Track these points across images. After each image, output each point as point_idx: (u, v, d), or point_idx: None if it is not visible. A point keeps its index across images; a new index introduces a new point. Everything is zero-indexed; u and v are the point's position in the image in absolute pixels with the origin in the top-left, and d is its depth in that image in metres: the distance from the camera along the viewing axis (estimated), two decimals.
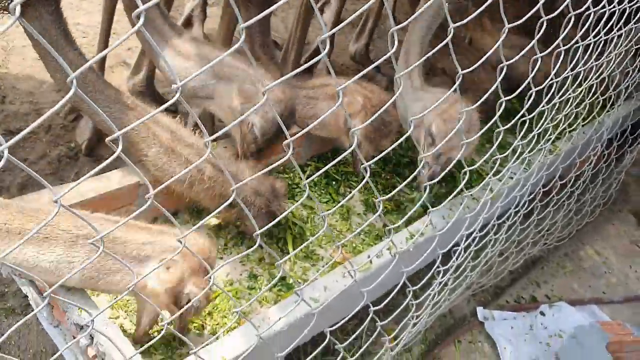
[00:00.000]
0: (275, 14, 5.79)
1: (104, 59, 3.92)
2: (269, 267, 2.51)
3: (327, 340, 1.83)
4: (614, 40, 2.50)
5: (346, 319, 1.82)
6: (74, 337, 1.93)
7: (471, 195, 2.10)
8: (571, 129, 2.75)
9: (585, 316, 3.80)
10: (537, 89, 1.80)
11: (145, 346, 1.49)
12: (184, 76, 2.46)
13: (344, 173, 3.20)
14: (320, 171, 1.47)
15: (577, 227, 4.16)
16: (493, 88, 1.65)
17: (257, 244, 1.38)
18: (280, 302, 2.17)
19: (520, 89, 1.74)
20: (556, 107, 2.22)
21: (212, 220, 2.66)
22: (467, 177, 1.80)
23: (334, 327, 1.81)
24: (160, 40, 2.56)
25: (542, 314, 3.76)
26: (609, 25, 2.19)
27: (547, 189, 2.97)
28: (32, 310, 2.68)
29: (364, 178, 1.47)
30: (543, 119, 2.13)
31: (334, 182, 3.11)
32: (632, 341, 3.24)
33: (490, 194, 2.14)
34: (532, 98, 1.81)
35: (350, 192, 3.12)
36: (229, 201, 1.30)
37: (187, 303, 1.81)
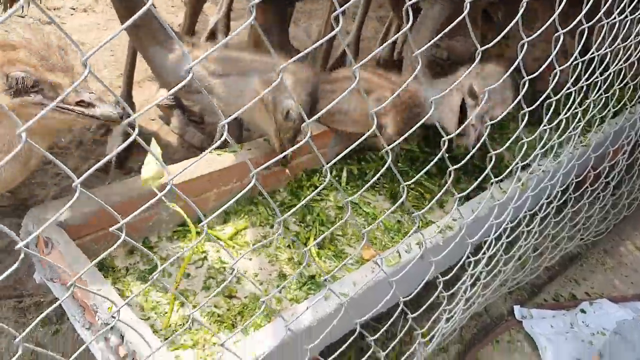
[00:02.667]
0: (298, 24, 5.84)
1: (132, 75, 4.01)
2: (298, 267, 2.49)
3: (356, 332, 1.80)
4: None
5: (374, 310, 1.79)
6: (106, 339, 1.95)
7: (499, 183, 2.05)
8: (601, 115, 2.67)
9: (628, 312, 3.68)
10: (561, 67, 1.76)
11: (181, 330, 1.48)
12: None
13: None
14: (346, 151, 1.45)
15: (615, 222, 4.04)
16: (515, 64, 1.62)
17: (280, 229, 1.36)
18: (309, 298, 2.15)
19: (542, 69, 1.70)
20: (583, 89, 2.16)
21: (244, 223, 2.67)
22: (492, 161, 1.76)
23: (363, 319, 1.78)
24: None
25: (583, 311, 3.65)
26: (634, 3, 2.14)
27: (580, 179, 2.89)
28: (68, 319, 2.72)
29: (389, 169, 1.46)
30: (570, 101, 2.08)
31: (360, 183, 3.09)
32: None
33: (518, 182, 2.09)
34: (557, 77, 1.77)
35: (378, 193, 3.10)
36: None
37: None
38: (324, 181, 2.93)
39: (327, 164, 1.41)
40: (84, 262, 2.02)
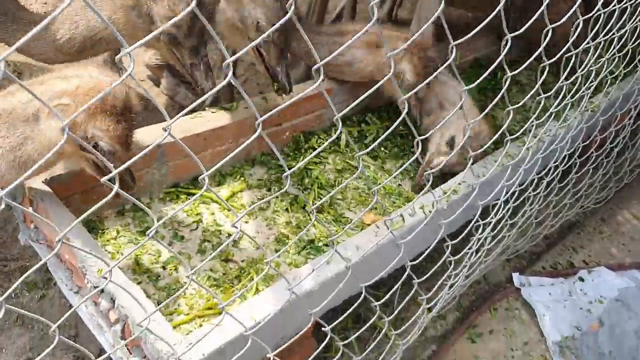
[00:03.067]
0: None
1: None
2: (297, 231, 2.39)
3: (362, 296, 1.71)
4: None
5: (381, 274, 1.69)
6: (95, 303, 1.84)
7: (514, 140, 1.95)
8: (612, 76, 2.57)
9: (627, 281, 3.63)
10: (584, 17, 1.64)
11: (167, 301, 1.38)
12: None
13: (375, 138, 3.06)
14: (360, 99, 1.34)
15: (615, 189, 3.98)
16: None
17: (287, 186, 1.25)
18: (311, 261, 2.06)
19: (567, 16, 1.58)
20: (600, 46, 2.05)
21: (240, 185, 2.55)
22: (510, 117, 1.65)
23: (369, 283, 1.69)
24: None
25: (581, 279, 3.60)
26: None
27: (586, 143, 2.80)
28: (55, 284, 2.61)
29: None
30: (588, 58, 1.97)
31: (360, 146, 2.98)
32: None
33: (534, 139, 1.98)
34: (579, 28, 1.65)
35: (378, 157, 2.99)
36: None
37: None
38: (323, 143, 2.84)
39: (328, 138, 1.29)
40: (71, 220, 1.90)
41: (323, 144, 2.88)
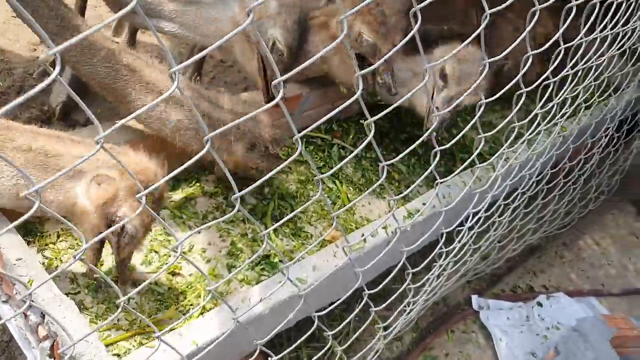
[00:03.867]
0: None
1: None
2: (252, 244, 2.26)
3: (314, 325, 1.60)
4: None
5: (336, 303, 1.58)
6: (25, 315, 1.69)
7: (485, 166, 1.87)
8: (587, 104, 2.51)
9: (584, 307, 3.61)
10: (565, 45, 1.56)
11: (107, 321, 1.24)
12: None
13: (342, 147, 2.94)
14: (320, 121, 1.22)
15: (579, 215, 3.96)
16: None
17: (236, 209, 1.13)
18: (262, 282, 1.93)
19: (548, 44, 1.50)
20: (578, 74, 1.98)
21: (193, 189, 2.41)
22: (481, 144, 1.56)
23: (323, 312, 1.58)
24: None
25: (540, 304, 3.56)
26: None
27: (555, 170, 2.75)
28: None
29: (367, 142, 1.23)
30: (566, 85, 1.90)
31: (327, 155, 2.86)
32: (636, 336, 3.04)
33: (506, 164, 1.90)
34: (560, 57, 1.57)
35: (352, 171, 2.87)
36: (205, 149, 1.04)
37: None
38: (289, 152, 2.72)
39: (299, 132, 1.18)
40: (2, 223, 1.74)
41: (288, 154, 2.76)
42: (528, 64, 1.46)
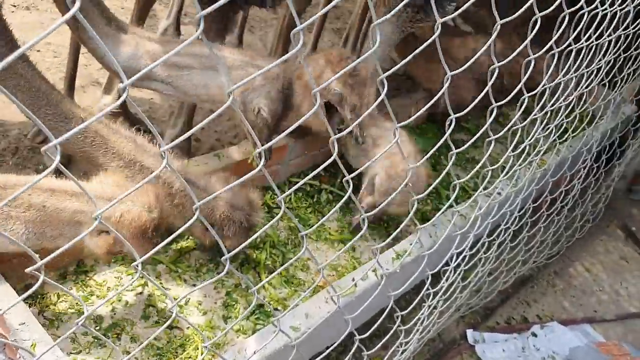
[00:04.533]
0: (253, 31, 5.68)
1: (74, 78, 3.75)
2: (246, 295, 2.32)
3: None
4: (604, 47, 2.40)
5: (330, 349, 1.65)
6: None
7: (458, 212, 1.95)
8: (561, 140, 2.62)
9: (578, 335, 3.66)
10: (530, 94, 1.68)
11: None
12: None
13: (330, 192, 3.03)
14: (302, 181, 1.31)
15: (567, 244, 4.04)
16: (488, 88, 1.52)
17: (226, 269, 1.21)
18: (257, 333, 1.99)
19: (515, 92, 1.61)
20: (547, 115, 2.09)
21: (187, 243, 2.48)
22: (456, 192, 1.66)
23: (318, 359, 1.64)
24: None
25: (534, 335, 3.61)
26: (599, 31, 2.09)
27: (537, 204, 2.84)
28: None
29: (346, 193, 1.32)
30: (536, 126, 2.01)
31: (316, 201, 2.95)
32: None
33: (480, 210, 1.99)
34: (525, 103, 1.68)
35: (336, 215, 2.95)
36: (193, 219, 1.12)
37: None
38: (277, 204, 2.81)
39: (287, 181, 1.27)
40: (4, 289, 1.80)
41: (276, 200, 2.85)
42: (493, 115, 1.56)
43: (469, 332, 3.48)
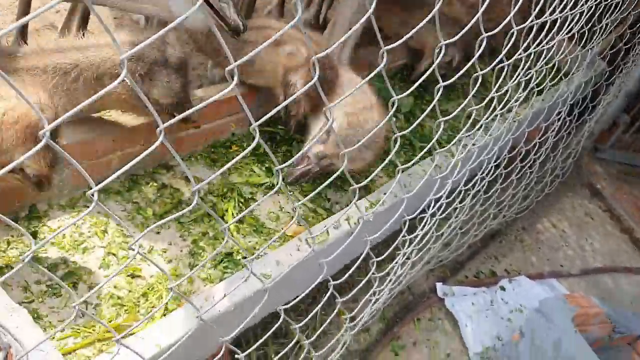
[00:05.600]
0: None
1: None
2: (214, 242, 2.21)
3: (280, 319, 1.57)
4: None
5: (302, 295, 1.56)
6: None
7: (444, 152, 1.86)
8: (539, 88, 2.55)
9: (545, 289, 3.69)
10: (518, 27, 1.57)
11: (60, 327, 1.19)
12: None
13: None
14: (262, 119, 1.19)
15: (536, 199, 4.03)
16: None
17: (195, 202, 1.09)
18: (226, 279, 1.89)
19: (501, 26, 1.50)
20: (531, 57, 2.00)
21: (149, 188, 2.35)
22: (440, 130, 1.56)
23: (288, 305, 1.55)
24: None
25: (503, 288, 3.62)
26: None
27: (512, 154, 2.78)
28: None
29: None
30: (520, 68, 1.92)
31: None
32: (596, 313, 3.12)
33: (465, 150, 1.91)
34: (513, 37, 1.58)
35: None
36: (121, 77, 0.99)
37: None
38: (243, 149, 2.68)
39: (254, 123, 1.14)
40: None
41: (244, 150, 2.72)
42: (483, 46, 1.46)
43: (439, 286, 3.46)
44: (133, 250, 1.08)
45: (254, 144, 1.16)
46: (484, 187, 2.60)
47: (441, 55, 1.32)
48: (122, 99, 2.03)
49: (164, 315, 1.78)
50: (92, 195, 0.98)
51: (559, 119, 3.12)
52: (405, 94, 1.38)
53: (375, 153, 2.46)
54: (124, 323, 1.84)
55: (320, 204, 2.58)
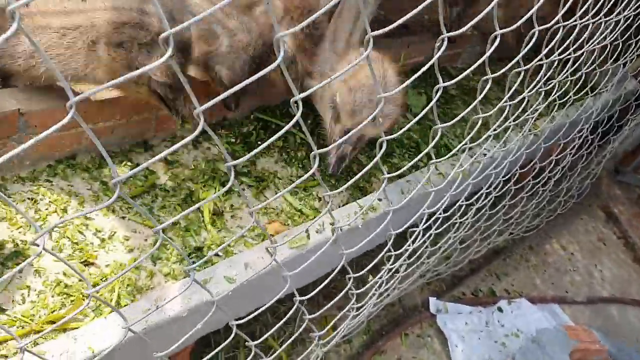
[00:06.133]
0: None
1: None
2: (183, 234, 2.01)
3: (232, 335, 1.37)
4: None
5: (257, 312, 1.36)
6: None
7: (436, 167, 1.65)
8: (561, 101, 2.31)
9: (546, 316, 3.46)
10: (542, 27, 1.35)
11: None
12: None
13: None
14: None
15: (547, 219, 3.80)
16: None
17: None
18: (181, 281, 1.69)
19: (517, 24, 1.28)
20: (554, 65, 1.78)
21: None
22: (437, 138, 1.34)
23: (242, 321, 1.35)
24: None
25: (500, 310, 3.40)
26: None
27: (524, 170, 2.55)
28: None
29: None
30: (540, 75, 1.69)
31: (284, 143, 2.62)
32: (597, 350, 2.89)
33: (461, 167, 1.69)
34: (534, 37, 1.36)
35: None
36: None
37: None
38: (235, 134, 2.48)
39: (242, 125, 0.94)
40: None
41: (235, 136, 2.52)
42: (495, 44, 1.24)
43: (432, 300, 3.25)
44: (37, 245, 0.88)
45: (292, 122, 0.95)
46: (490, 202, 2.38)
47: (442, 48, 1.11)
48: (114, 68, 1.83)
49: (107, 313, 1.59)
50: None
51: (580, 137, 2.88)
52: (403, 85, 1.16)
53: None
54: (67, 314, 1.65)
55: (309, 203, 2.37)
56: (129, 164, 2.18)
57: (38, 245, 0.91)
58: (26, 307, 1.63)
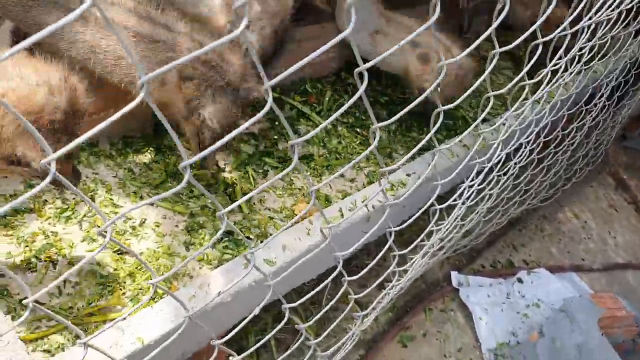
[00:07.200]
0: None
1: None
2: (214, 218, 1.96)
3: (286, 318, 1.33)
4: None
5: (308, 296, 1.32)
6: None
7: (489, 126, 1.60)
8: (587, 67, 2.26)
9: (565, 285, 3.45)
10: None
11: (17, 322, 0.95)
12: None
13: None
14: None
15: (563, 187, 3.77)
16: None
17: (185, 180, 0.84)
18: (224, 266, 1.65)
19: None
20: (591, 28, 1.72)
21: (144, 154, 2.09)
22: (491, 103, 1.30)
23: (295, 304, 1.31)
24: None
25: (520, 280, 3.38)
26: None
27: (548, 139, 2.51)
28: None
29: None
30: (579, 37, 1.64)
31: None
32: (624, 317, 2.88)
33: (508, 128, 1.64)
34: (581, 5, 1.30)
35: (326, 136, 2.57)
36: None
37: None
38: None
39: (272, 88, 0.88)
40: None
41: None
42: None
43: (454, 274, 3.23)
44: (104, 236, 0.84)
45: (267, 107, 0.90)
46: (516, 171, 2.35)
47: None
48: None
49: (154, 300, 1.55)
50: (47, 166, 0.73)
51: (599, 102, 2.84)
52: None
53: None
54: (106, 306, 1.61)
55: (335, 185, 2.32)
56: (149, 149, 2.12)
57: (105, 236, 0.87)
58: (64, 300, 1.59)
